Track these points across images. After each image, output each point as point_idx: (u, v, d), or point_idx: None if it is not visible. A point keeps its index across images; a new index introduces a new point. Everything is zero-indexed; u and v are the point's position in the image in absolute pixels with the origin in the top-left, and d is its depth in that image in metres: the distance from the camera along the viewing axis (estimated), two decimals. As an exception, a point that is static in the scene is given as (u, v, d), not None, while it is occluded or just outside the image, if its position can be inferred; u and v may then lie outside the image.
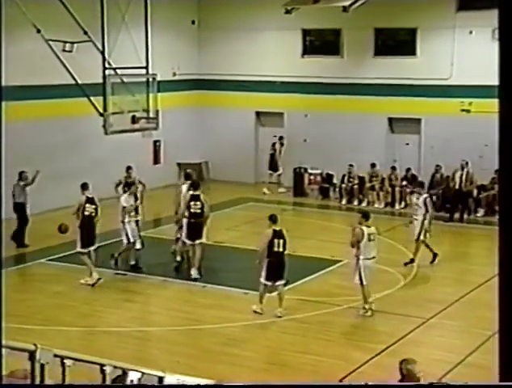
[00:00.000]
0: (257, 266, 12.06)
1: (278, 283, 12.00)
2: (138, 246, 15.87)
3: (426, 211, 14.74)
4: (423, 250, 15.97)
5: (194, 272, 13.74)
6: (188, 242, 13.85)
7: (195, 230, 13.75)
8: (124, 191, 15.49)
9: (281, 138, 22.44)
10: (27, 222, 16.09)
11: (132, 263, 14.43)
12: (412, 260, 14.85)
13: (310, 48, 22.73)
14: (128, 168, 16.18)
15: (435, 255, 14.93)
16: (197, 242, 13.78)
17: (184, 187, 14.36)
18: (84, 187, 13.95)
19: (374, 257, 12.14)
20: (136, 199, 14.39)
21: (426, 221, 14.75)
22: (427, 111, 20.92)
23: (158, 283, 13.74)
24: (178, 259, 14.42)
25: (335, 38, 22.29)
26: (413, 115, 21.28)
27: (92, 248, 13.76)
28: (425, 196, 15.11)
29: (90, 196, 13.79)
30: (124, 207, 13.98)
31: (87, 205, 13.65)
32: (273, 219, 12.03)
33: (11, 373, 4.76)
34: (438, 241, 17.68)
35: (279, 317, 11.94)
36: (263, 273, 11.93)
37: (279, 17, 21.13)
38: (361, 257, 12.00)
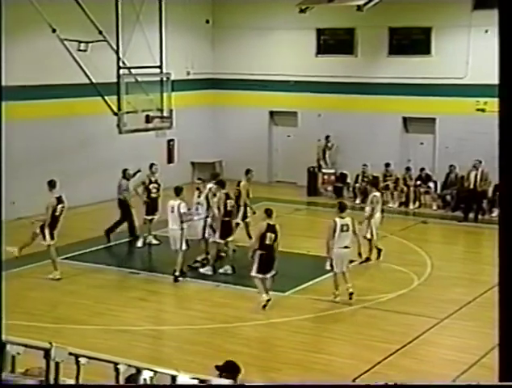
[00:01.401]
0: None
1: (268, 275, 12.26)
2: (139, 244, 15.94)
3: (373, 209, 14.75)
4: (438, 250, 15.98)
5: (227, 268, 14.03)
6: (221, 240, 14.05)
7: (228, 229, 14.06)
8: (142, 192, 15.54)
9: (327, 137, 21.92)
10: (132, 217, 16.29)
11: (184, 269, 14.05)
12: (367, 259, 14.80)
13: (324, 47, 22.68)
14: (152, 165, 16.18)
15: (368, 259, 14.78)
16: (229, 239, 14.13)
17: (211, 187, 14.50)
18: (52, 184, 13.70)
19: (347, 246, 12.56)
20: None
21: (373, 220, 14.71)
22: (442, 111, 20.82)
23: (172, 282, 13.76)
24: (200, 258, 14.53)
25: (349, 37, 22.23)
26: (428, 115, 21.18)
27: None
28: (373, 194, 15.07)
29: (57, 195, 13.66)
30: (184, 213, 13.68)
31: (58, 206, 13.58)
32: (268, 213, 12.32)
33: (27, 371, 4.79)
34: (452, 241, 17.67)
35: (265, 304, 12.11)
36: (255, 266, 12.19)
37: (293, 16, 21.11)
38: (334, 246, 12.39)
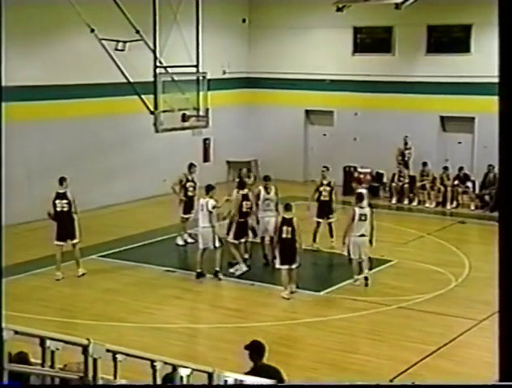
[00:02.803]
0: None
1: (293, 266, 12.68)
2: (180, 242, 16.03)
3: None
4: (475, 251, 15.79)
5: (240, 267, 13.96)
6: (235, 241, 13.99)
7: (243, 230, 14.05)
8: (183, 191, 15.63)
9: (406, 137, 21.30)
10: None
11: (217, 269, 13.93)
12: None
13: (361, 45, 22.54)
14: (191, 165, 16.16)
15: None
16: (242, 240, 14.14)
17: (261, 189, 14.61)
18: (59, 181, 13.68)
19: (363, 235, 13.17)
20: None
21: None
22: (481, 110, 20.51)
23: (207, 280, 13.81)
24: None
25: (387, 35, 22.05)
26: (467, 114, 20.91)
27: (71, 242, 13.63)
28: (359, 190, 14.86)
29: (61, 191, 13.58)
30: (211, 211, 13.67)
31: (57, 201, 13.54)
32: (287, 207, 12.84)
33: (65, 367, 4.85)
34: (490, 241, 17.38)
35: (292, 292, 12.67)
36: (277, 260, 12.78)
37: (331, 15, 21.03)
38: (352, 234, 13.13)
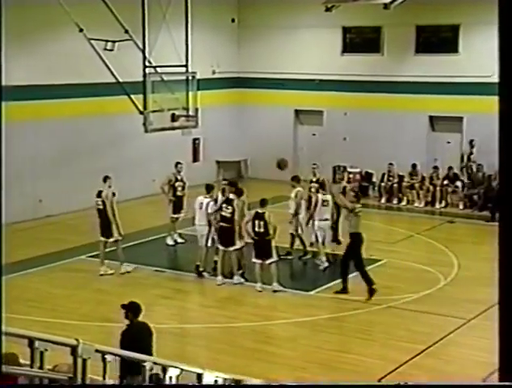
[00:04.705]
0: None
1: (268, 261, 12.92)
2: (170, 242, 15.99)
3: (298, 205, 14.70)
4: (464, 250, 15.88)
5: (236, 278, 13.56)
6: (220, 247, 13.61)
7: (224, 236, 13.49)
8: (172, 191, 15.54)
9: (471, 141, 20.59)
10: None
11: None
12: (288, 253, 14.88)
13: (350, 45, 22.58)
14: (177, 164, 16.15)
15: (288, 253, 14.94)
16: (230, 248, 13.47)
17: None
18: (103, 179, 14.02)
19: (326, 219, 14.29)
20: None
21: (301, 216, 14.65)
22: (469, 110, 20.62)
23: (196, 280, 13.80)
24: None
25: (376, 35, 22.10)
26: (455, 114, 20.99)
27: (103, 239, 13.87)
28: (297, 189, 14.86)
29: (101, 189, 13.90)
30: (211, 213, 13.64)
31: (96, 199, 13.87)
32: (261, 203, 13.13)
33: (55, 367, 4.84)
34: (479, 241, 17.48)
35: (275, 291, 12.87)
36: (253, 253, 13.07)
37: (319, 14, 21.06)
38: (316, 218, 14.15)
